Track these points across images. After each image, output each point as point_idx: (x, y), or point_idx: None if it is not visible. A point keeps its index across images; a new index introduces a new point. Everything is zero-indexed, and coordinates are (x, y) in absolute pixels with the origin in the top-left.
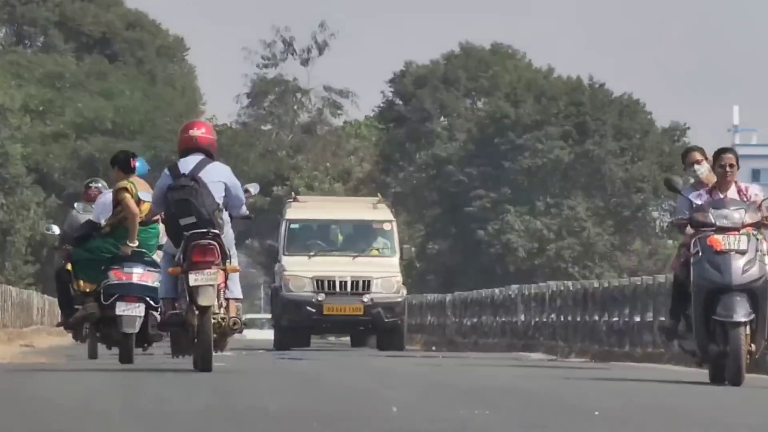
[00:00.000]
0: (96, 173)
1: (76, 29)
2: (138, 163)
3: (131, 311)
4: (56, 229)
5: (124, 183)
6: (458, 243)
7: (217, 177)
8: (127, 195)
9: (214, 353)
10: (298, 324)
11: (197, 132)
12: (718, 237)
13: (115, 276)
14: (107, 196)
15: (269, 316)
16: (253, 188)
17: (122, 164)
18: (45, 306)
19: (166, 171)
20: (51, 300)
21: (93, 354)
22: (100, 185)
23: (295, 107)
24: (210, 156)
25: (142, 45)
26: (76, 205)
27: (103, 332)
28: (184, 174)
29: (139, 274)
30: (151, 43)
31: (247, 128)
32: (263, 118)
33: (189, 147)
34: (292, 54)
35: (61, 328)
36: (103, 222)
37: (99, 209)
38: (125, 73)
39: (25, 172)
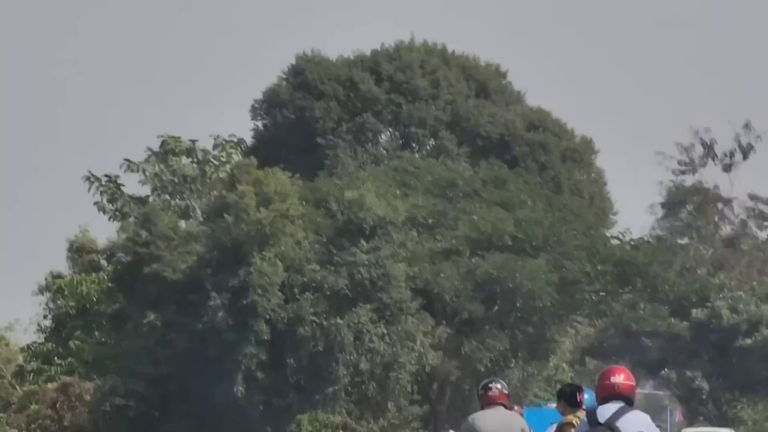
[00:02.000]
0: (493, 296)
1: (470, 130)
2: (586, 396)
3: None
4: None
5: (570, 417)
6: None
7: (636, 426)
8: (572, 431)
9: None
10: None
11: (618, 379)
12: None
13: None
14: (551, 430)
15: None
16: None
17: (568, 398)
18: None
19: (584, 418)
20: None
21: None
22: (500, 386)
23: (716, 218)
24: (630, 403)
25: (545, 148)
26: (475, 417)
27: None
28: (600, 423)
29: None
30: (555, 145)
31: (662, 242)
32: (680, 230)
33: (610, 394)
34: (713, 159)
35: None
36: None
37: None
38: (526, 180)
39: (410, 296)
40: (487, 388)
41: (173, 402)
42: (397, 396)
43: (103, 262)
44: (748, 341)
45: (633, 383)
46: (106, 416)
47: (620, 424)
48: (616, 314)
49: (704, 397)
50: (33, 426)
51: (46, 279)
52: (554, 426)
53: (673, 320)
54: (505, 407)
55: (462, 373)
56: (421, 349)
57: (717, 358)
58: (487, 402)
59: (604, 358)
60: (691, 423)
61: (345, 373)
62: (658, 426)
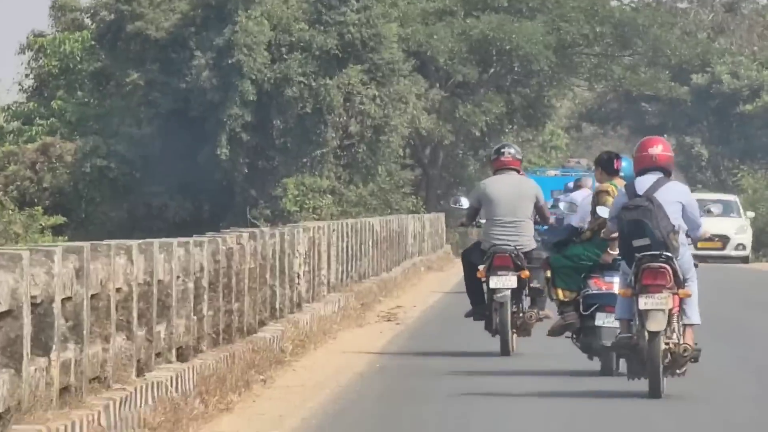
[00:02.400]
0: (489, 59)
1: None
2: (624, 163)
3: (611, 322)
4: (465, 202)
5: (606, 186)
6: None
7: (674, 197)
8: (609, 199)
9: (664, 378)
10: None
11: (656, 150)
12: None
13: (595, 285)
14: (589, 198)
15: None
16: (716, 209)
17: (606, 165)
18: (424, 228)
19: (622, 189)
20: (432, 218)
21: (505, 350)
22: (513, 151)
23: None
24: (668, 174)
25: None
26: (486, 183)
27: (583, 342)
28: (638, 194)
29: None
30: None
31: (661, 5)
32: None
33: (647, 166)
34: None
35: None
36: (586, 225)
37: (582, 212)
38: None
39: (402, 57)
40: (499, 152)
41: (155, 163)
42: (387, 160)
43: (87, 21)
44: (749, 107)
45: (671, 154)
46: (87, 177)
47: (659, 195)
48: (615, 78)
49: (704, 164)
50: (11, 187)
51: (28, 38)
52: (578, 192)
53: (673, 84)
54: (518, 173)
55: (456, 137)
56: (414, 112)
57: (717, 124)
58: (499, 167)
59: (602, 123)
60: (691, 190)
61: (334, 135)
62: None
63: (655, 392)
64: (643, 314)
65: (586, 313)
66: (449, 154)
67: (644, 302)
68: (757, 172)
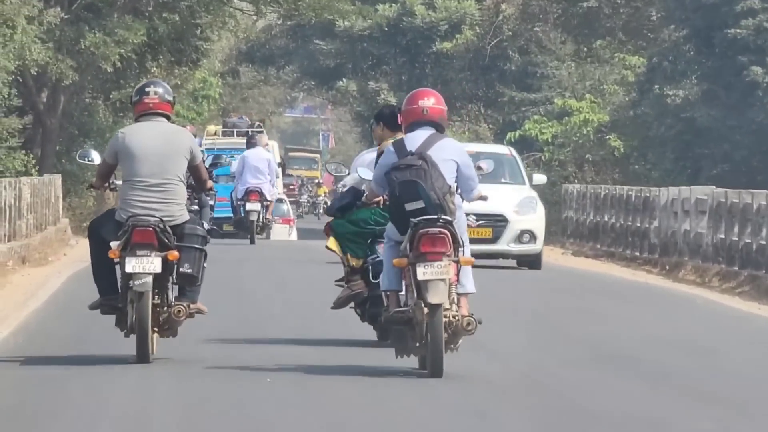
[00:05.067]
0: None
1: None
2: None
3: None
4: (96, 157)
5: (390, 142)
6: (715, 88)
7: (448, 155)
8: None
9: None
10: None
11: (427, 103)
12: None
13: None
14: (367, 156)
15: None
16: (486, 165)
17: (388, 120)
18: (21, 198)
19: (390, 147)
20: (39, 183)
21: (144, 356)
22: (161, 90)
23: None
24: (440, 130)
25: None
26: (126, 132)
27: (370, 313)
28: (411, 152)
29: None
30: None
31: None
32: None
33: (418, 120)
34: None
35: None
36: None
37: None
38: None
39: None
40: (143, 92)
41: None
42: None
43: None
44: (447, 45)
45: (444, 107)
46: None
47: (432, 152)
48: (289, 0)
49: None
50: None
51: None
52: (365, 154)
53: (354, 13)
54: (168, 119)
55: (80, 76)
56: (23, 40)
57: (409, 65)
58: (143, 110)
59: (265, 65)
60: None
61: None
62: (316, 154)
63: (437, 370)
64: (422, 285)
65: (376, 281)
66: (72, 98)
67: (423, 272)
68: (455, 123)
